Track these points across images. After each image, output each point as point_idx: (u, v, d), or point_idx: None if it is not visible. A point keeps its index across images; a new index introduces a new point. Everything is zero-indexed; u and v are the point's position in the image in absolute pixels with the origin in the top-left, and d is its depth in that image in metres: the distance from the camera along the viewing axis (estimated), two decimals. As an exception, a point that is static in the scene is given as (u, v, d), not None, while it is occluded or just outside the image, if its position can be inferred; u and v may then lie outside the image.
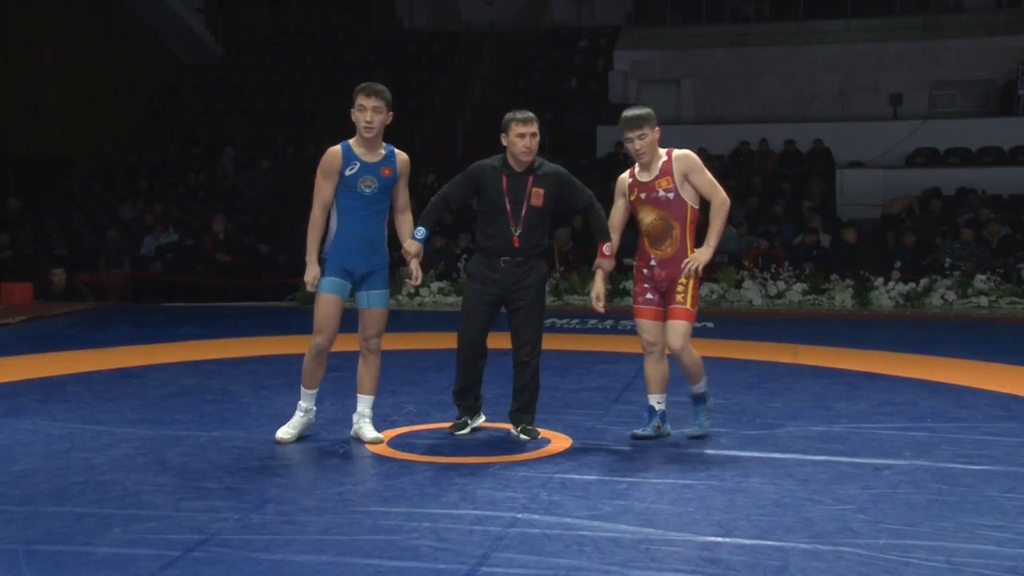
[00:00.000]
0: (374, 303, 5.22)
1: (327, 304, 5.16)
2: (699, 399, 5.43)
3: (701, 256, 5.16)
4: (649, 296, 5.27)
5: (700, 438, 5.34)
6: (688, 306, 5.16)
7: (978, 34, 19.22)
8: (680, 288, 5.17)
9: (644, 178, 5.22)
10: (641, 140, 5.14)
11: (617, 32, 21.16)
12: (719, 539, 3.73)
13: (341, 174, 5.08)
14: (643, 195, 5.21)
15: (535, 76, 20.20)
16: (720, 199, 5.15)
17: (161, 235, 14.63)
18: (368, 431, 5.27)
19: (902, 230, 13.58)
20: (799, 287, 12.16)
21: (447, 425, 5.54)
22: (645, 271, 5.27)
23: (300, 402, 5.35)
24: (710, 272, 12.66)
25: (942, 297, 11.90)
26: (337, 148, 5.14)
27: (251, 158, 18.38)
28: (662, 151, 5.22)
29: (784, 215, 14.63)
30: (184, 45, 21.57)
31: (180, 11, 20.50)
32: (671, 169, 5.16)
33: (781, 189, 15.90)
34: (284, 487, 4.44)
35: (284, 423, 5.47)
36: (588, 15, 22.89)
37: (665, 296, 5.23)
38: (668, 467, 4.77)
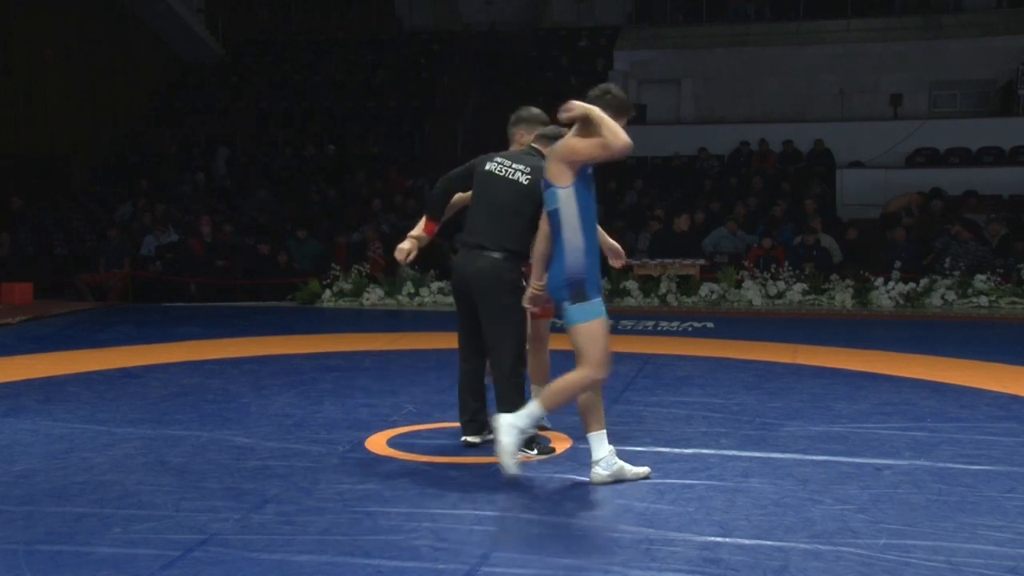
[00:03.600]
0: None
1: (606, 330, 4.20)
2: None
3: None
4: None
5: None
6: None
7: (978, 34, 19.23)
8: None
9: None
10: None
11: (617, 32, 21.15)
12: (719, 539, 3.73)
13: (582, 171, 4.02)
14: None
15: (535, 76, 20.17)
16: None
17: (161, 235, 14.63)
18: (634, 469, 4.46)
19: (898, 227, 13.58)
20: (799, 287, 12.16)
21: (458, 434, 5.32)
22: None
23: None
24: (710, 272, 12.66)
25: (942, 297, 11.90)
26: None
27: (250, 158, 18.36)
28: None
29: (784, 215, 14.61)
30: (184, 45, 21.57)
31: (180, 11, 20.51)
32: None
33: (781, 189, 15.90)
34: (284, 487, 4.44)
35: (284, 423, 5.46)
36: (588, 15, 22.86)
37: None
38: (668, 467, 4.76)
